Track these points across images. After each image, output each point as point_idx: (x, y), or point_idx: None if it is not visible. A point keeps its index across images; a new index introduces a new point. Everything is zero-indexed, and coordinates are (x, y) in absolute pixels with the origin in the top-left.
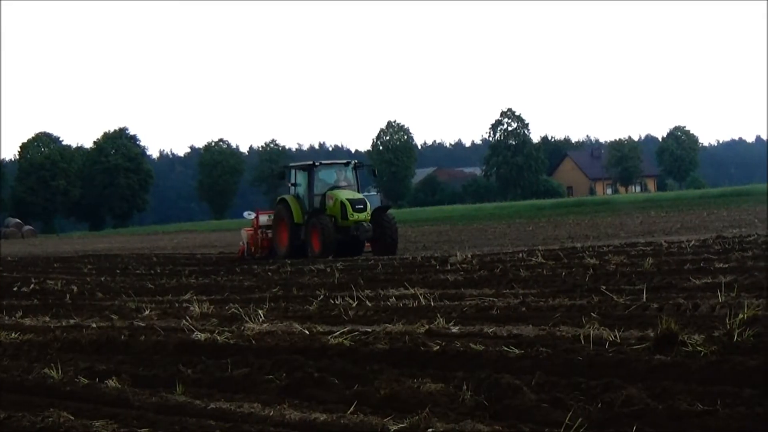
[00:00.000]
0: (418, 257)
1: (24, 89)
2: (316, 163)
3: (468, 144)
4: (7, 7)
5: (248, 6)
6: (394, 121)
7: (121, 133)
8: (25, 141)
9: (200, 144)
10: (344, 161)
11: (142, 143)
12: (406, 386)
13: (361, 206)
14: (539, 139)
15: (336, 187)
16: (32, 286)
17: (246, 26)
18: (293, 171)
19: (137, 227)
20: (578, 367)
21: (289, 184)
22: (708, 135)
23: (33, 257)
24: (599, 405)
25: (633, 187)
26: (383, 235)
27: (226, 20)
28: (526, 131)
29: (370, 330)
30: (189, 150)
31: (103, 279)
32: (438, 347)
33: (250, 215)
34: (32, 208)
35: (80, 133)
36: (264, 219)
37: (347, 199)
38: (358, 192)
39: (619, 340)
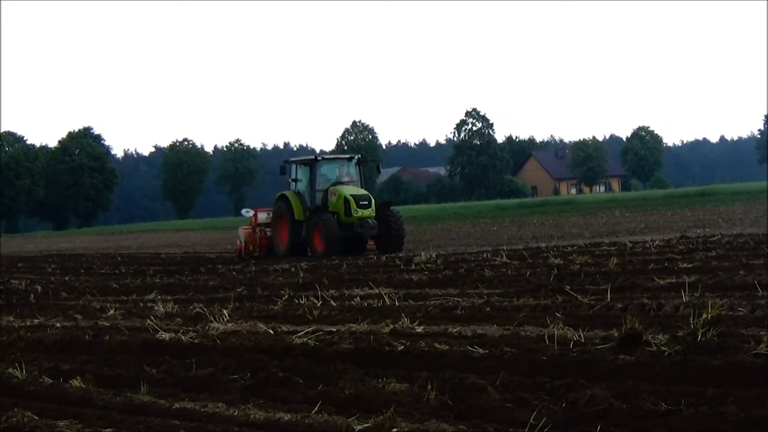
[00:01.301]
0: (382, 257)
1: None
2: (318, 158)
3: (432, 144)
4: None
5: (212, 6)
6: (359, 121)
7: (86, 132)
8: None
9: (165, 143)
10: (347, 156)
11: (106, 143)
12: (371, 386)
13: (366, 202)
14: (504, 138)
15: (338, 182)
16: None
17: (210, 26)
18: (294, 166)
19: (102, 227)
20: (543, 366)
21: (289, 180)
22: (672, 135)
23: None
24: (563, 405)
25: (597, 187)
26: (389, 231)
27: (190, 20)
28: (490, 131)
29: (334, 330)
30: (153, 149)
31: (67, 279)
32: (402, 347)
33: (248, 213)
34: None
35: (45, 132)
36: (263, 216)
37: (351, 195)
38: (362, 188)
39: (583, 340)
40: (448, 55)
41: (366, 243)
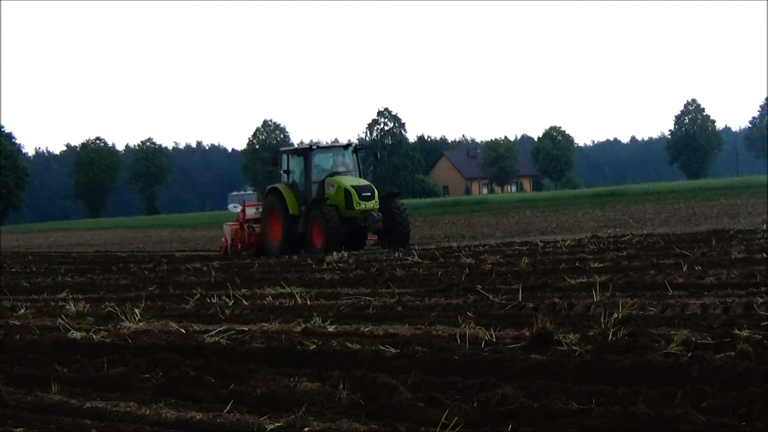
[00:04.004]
0: (294, 256)
1: None
2: (313, 147)
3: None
4: None
5: (123, 5)
6: (270, 120)
7: None
8: None
9: (76, 142)
10: (343, 144)
11: (17, 141)
12: (283, 385)
13: (369, 194)
14: (415, 138)
15: (335, 173)
16: None
17: (120, 24)
18: (285, 156)
19: (12, 225)
20: (454, 366)
21: (281, 172)
22: (583, 135)
23: None
24: (475, 404)
25: (509, 187)
26: (393, 225)
27: (101, 18)
28: (402, 131)
29: (246, 329)
30: (65, 148)
31: None
32: (314, 346)
33: (236, 208)
34: None
35: None
36: (251, 212)
37: (352, 186)
38: (361, 177)
39: (494, 340)
40: (360, 54)
41: (366, 237)
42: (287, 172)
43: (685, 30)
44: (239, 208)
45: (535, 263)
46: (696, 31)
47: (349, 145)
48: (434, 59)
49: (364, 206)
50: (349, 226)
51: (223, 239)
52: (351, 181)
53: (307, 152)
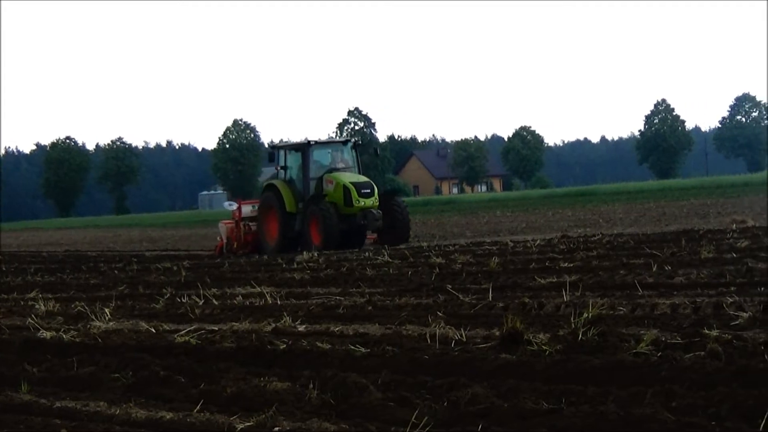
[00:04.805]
0: (264, 256)
1: None
2: (311, 142)
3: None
4: None
5: (94, 4)
6: (240, 120)
7: None
8: None
9: (46, 141)
10: (342, 139)
11: None
12: (253, 385)
13: (368, 190)
14: (386, 138)
15: (333, 169)
16: None
17: (89, 23)
18: (282, 152)
19: None
20: (424, 365)
21: (278, 168)
22: (553, 135)
23: None
24: (445, 404)
25: (479, 187)
26: (394, 223)
27: (71, 17)
28: (372, 130)
29: (216, 328)
30: (35, 147)
31: None
32: (284, 346)
33: (231, 206)
34: None
35: None
36: (247, 210)
37: (351, 183)
38: (360, 174)
39: (464, 339)
40: (329, 53)
41: (365, 235)
42: (284, 168)
43: (655, 30)
44: (235, 206)
45: (505, 263)
46: (666, 31)
47: (348, 140)
48: (405, 59)
49: (363, 203)
50: (347, 224)
51: (218, 238)
52: (350, 177)
53: (305, 148)
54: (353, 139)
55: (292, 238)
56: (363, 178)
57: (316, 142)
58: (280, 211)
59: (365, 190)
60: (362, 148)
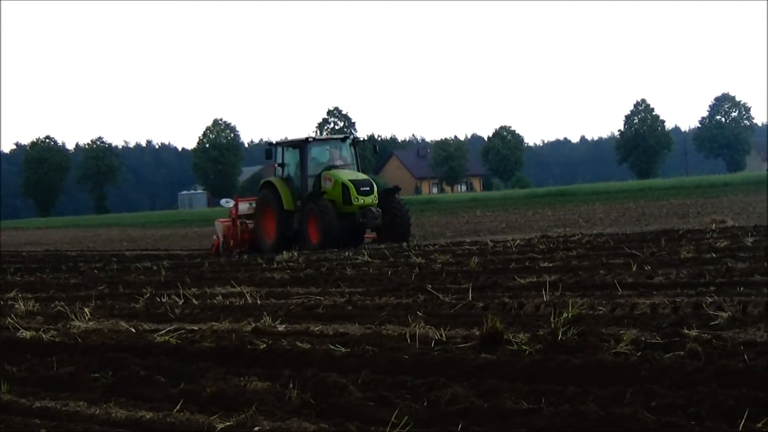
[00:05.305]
0: (244, 255)
1: None
2: (309, 139)
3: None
4: None
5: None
6: (221, 119)
7: None
8: None
9: (26, 141)
10: (340, 136)
11: None
12: (233, 384)
13: (368, 188)
14: (365, 137)
15: (332, 166)
16: None
17: (70, 24)
18: (280, 149)
19: None
20: (404, 365)
21: (276, 165)
22: (533, 135)
23: None
24: (425, 403)
25: (459, 187)
26: (394, 221)
27: (49, 16)
28: (352, 130)
29: (196, 328)
30: (15, 147)
31: None
32: (264, 345)
33: (228, 203)
34: None
35: None
36: (244, 207)
37: (350, 180)
38: (359, 171)
39: (444, 339)
40: (310, 53)
41: (363, 234)
42: (282, 165)
43: (635, 30)
44: (232, 204)
45: (485, 263)
46: (646, 31)
47: (347, 137)
48: (385, 59)
49: (362, 201)
50: (346, 222)
51: (214, 237)
52: (349, 175)
53: (303, 144)
54: (352, 137)
55: (290, 236)
56: (362, 176)
57: (314, 139)
58: (278, 209)
59: (364, 188)
60: (361, 145)
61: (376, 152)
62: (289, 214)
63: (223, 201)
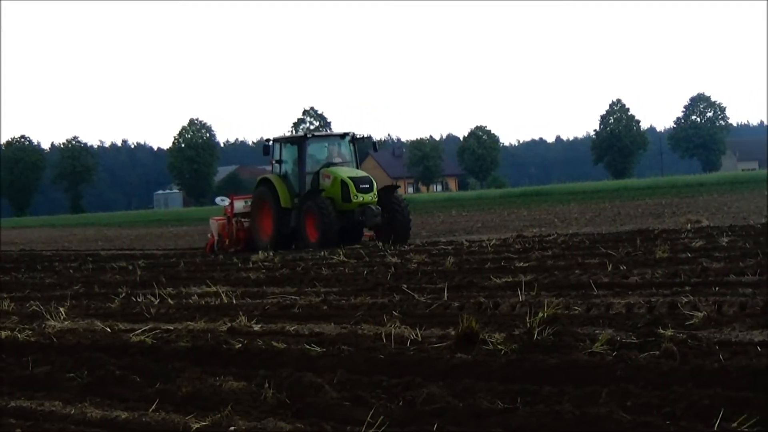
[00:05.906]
0: (220, 255)
1: None
2: (308, 135)
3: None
4: None
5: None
6: (197, 119)
7: None
8: None
9: (1, 140)
10: (339, 133)
11: None
12: (208, 384)
13: (367, 186)
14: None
15: (330, 163)
16: None
17: (44, 22)
18: (278, 145)
19: None
20: (380, 365)
21: (273, 162)
22: (509, 135)
23: None
24: (401, 403)
25: (434, 186)
26: (394, 220)
27: (23, 14)
28: (328, 130)
29: (172, 328)
30: None
31: None
32: (240, 345)
33: (223, 201)
34: None
35: None
36: (240, 205)
37: (349, 178)
38: (358, 169)
39: (420, 339)
40: (286, 53)
41: (362, 232)
42: (279, 162)
43: (610, 30)
44: (227, 202)
45: (461, 262)
46: (620, 31)
47: (346, 134)
48: (360, 58)
49: (361, 199)
50: (345, 220)
51: (209, 235)
52: (348, 172)
53: (301, 141)
54: (351, 133)
55: (287, 235)
56: (361, 173)
57: (313, 135)
58: (275, 207)
59: (364, 185)
60: (360, 143)
61: (376, 150)
62: (287, 211)
63: (218, 199)
